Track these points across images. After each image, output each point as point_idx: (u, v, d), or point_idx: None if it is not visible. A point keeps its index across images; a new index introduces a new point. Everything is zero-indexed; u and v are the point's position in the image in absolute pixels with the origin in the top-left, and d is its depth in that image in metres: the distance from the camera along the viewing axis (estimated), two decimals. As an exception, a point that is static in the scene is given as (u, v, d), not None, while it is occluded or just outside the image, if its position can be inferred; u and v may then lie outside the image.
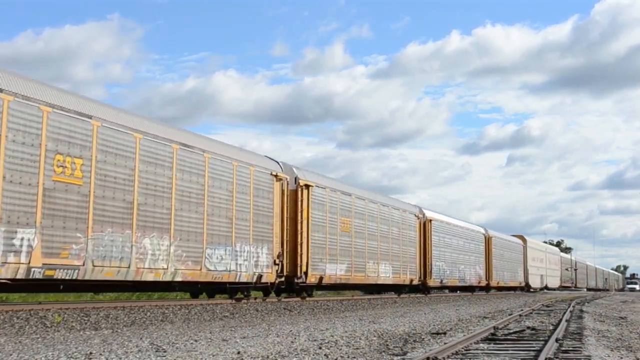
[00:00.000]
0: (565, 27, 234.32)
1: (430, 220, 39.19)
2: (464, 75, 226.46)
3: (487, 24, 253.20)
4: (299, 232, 24.94)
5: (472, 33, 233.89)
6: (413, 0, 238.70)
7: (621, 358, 9.99)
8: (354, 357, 9.16)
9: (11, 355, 8.49)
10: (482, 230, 50.65)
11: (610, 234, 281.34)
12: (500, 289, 54.28)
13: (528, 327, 15.00)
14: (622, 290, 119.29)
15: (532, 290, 63.82)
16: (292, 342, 10.76)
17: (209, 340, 10.80)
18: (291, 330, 12.85)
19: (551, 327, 15.06)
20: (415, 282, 36.87)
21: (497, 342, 11.74)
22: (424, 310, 21.99)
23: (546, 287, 70.75)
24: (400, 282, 34.83)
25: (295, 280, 24.76)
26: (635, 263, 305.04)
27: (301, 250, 24.84)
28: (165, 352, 9.13)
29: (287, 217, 24.20)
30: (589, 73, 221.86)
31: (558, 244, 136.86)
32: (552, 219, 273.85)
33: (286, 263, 24.09)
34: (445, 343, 10.97)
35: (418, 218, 38.05)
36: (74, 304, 16.90)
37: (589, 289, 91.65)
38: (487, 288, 50.63)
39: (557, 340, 11.59)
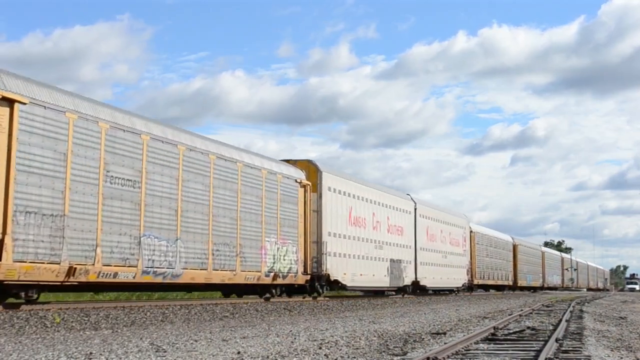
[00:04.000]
0: (572, 28, 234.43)
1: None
2: (468, 76, 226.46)
3: (494, 24, 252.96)
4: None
5: (478, 34, 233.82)
6: (420, 0, 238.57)
7: (621, 358, 9.99)
8: (354, 357, 9.15)
9: (11, 355, 8.49)
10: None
11: (612, 234, 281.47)
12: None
13: (528, 327, 15.00)
14: (622, 290, 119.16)
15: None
16: (292, 342, 10.76)
17: (209, 340, 10.80)
18: (291, 330, 12.84)
19: (551, 327, 15.06)
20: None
21: (497, 342, 11.74)
22: (423, 310, 21.99)
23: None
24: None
25: None
26: (635, 263, 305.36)
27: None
28: (165, 352, 9.13)
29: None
30: (593, 74, 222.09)
31: (558, 244, 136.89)
32: (554, 219, 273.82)
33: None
34: (445, 343, 10.96)
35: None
36: (74, 304, 16.91)
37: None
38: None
39: (557, 340, 11.58)
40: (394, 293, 35.90)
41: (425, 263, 39.23)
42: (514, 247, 63.48)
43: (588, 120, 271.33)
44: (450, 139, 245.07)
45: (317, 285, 26.52)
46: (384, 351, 9.95)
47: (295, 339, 11.25)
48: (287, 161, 26.13)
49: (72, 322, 13.31)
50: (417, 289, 38.87)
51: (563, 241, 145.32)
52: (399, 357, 9.29)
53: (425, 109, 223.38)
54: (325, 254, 26.53)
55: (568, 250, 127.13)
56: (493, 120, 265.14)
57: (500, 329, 14.40)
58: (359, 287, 30.57)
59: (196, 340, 10.64)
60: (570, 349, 10.58)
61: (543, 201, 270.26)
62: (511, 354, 9.74)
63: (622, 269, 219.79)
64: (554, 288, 78.42)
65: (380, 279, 32.47)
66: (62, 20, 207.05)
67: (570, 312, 22.27)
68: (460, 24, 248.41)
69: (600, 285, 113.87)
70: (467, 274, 47.16)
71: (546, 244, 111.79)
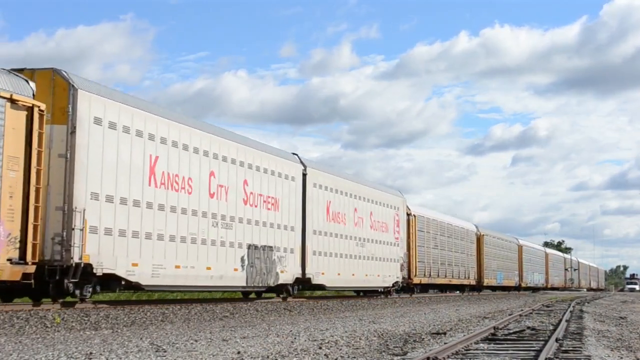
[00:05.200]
0: (574, 28, 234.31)
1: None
2: (470, 76, 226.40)
3: (496, 24, 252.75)
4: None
5: (480, 34, 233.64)
6: (423, 1, 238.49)
7: (621, 358, 9.99)
8: (354, 357, 9.15)
9: (11, 355, 8.49)
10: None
11: (613, 233, 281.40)
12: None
13: (528, 327, 15.00)
14: (622, 290, 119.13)
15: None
16: (292, 342, 10.75)
17: (209, 340, 10.80)
18: (291, 330, 12.84)
19: (551, 327, 15.06)
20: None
21: (497, 342, 11.74)
22: (424, 311, 21.99)
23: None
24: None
25: None
26: (636, 263, 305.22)
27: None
28: (165, 352, 9.13)
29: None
30: (594, 74, 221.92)
31: (559, 244, 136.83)
32: (554, 219, 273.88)
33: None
34: (445, 343, 10.96)
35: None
36: (74, 304, 16.90)
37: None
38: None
39: (557, 340, 11.58)
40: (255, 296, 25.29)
41: (322, 253, 26.60)
42: (479, 238, 51.47)
43: (589, 121, 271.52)
44: (452, 139, 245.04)
45: (67, 283, 15.24)
46: (384, 351, 9.95)
47: (295, 339, 11.25)
48: (20, 71, 15.22)
49: (72, 322, 13.31)
50: (308, 288, 28.27)
51: (563, 241, 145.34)
52: (399, 357, 9.29)
53: (426, 109, 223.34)
54: (80, 229, 15.28)
55: (568, 250, 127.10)
56: (493, 120, 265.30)
57: (501, 329, 14.40)
58: (166, 286, 18.96)
59: (196, 340, 10.64)
60: (570, 349, 10.58)
61: (544, 201, 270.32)
62: (511, 354, 9.74)
63: (622, 269, 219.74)
64: (536, 289, 70.47)
65: (222, 273, 20.38)
66: (66, 21, 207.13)
67: (570, 312, 22.27)
68: (463, 24, 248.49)
69: (594, 285, 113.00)
70: (402, 270, 34.53)
71: (546, 244, 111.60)
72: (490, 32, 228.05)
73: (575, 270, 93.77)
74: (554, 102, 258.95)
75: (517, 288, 62.15)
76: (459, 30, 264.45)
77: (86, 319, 13.85)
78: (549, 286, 75.96)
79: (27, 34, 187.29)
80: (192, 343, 10.27)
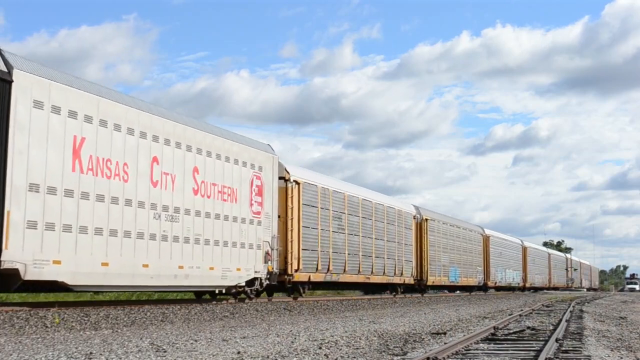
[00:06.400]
0: (575, 28, 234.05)
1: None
2: (471, 76, 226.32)
3: (497, 24, 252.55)
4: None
5: (482, 34, 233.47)
6: (425, 1, 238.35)
7: (621, 358, 9.99)
8: (354, 357, 9.15)
9: (11, 355, 8.49)
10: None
11: (613, 233, 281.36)
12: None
13: (528, 327, 15.00)
14: (622, 290, 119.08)
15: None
16: (292, 342, 10.76)
17: (209, 340, 10.80)
18: (291, 330, 12.85)
19: (551, 327, 15.06)
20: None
21: (497, 342, 11.74)
22: (424, 310, 21.99)
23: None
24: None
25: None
26: (636, 263, 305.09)
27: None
28: (165, 352, 9.13)
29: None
30: (596, 74, 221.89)
31: (558, 244, 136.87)
32: (555, 219, 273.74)
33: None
34: (445, 343, 10.97)
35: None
36: (74, 304, 16.90)
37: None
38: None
39: (557, 340, 11.58)
40: None
41: (58, 227, 14.74)
42: (421, 223, 38.48)
43: (590, 121, 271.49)
44: (453, 140, 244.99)
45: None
46: (384, 351, 9.95)
47: (295, 339, 11.25)
48: None
49: (72, 322, 13.31)
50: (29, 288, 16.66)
51: (562, 241, 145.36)
52: (399, 357, 9.29)
53: (428, 109, 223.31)
54: None
55: (568, 250, 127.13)
56: (494, 120, 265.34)
57: (500, 329, 14.40)
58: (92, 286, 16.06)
59: (196, 340, 10.64)
60: (570, 349, 10.58)
61: (544, 201, 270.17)
62: (511, 354, 9.74)
63: (622, 269, 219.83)
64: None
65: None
66: (70, 21, 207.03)
67: (570, 312, 22.27)
68: (465, 24, 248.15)
69: (586, 284, 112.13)
70: (268, 261, 22.52)
71: (545, 244, 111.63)
72: (492, 32, 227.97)
73: (575, 270, 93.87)
74: (555, 102, 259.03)
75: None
76: (461, 31, 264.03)
77: (86, 319, 13.85)
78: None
79: (29, 34, 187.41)
80: (192, 343, 10.27)
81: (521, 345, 11.06)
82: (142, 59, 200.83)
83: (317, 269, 26.40)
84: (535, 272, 66.30)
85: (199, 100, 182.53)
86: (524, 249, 63.99)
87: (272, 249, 22.64)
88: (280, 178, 23.96)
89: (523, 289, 62.47)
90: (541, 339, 12.17)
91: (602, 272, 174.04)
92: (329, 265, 27.40)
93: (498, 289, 55.85)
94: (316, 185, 27.01)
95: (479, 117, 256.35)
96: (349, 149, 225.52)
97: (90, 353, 8.74)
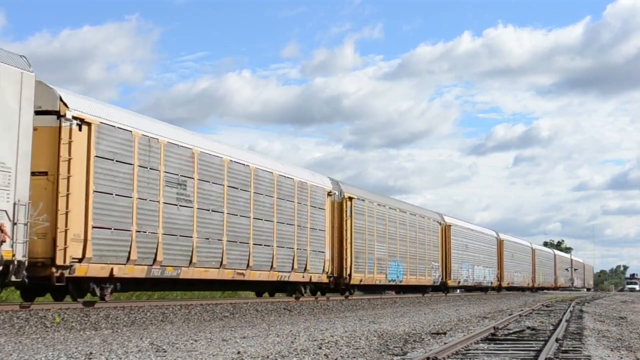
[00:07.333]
0: (577, 28, 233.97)
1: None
2: (473, 76, 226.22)
3: (499, 24, 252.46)
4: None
5: (483, 34, 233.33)
6: (427, 1, 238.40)
7: (621, 358, 9.99)
8: (354, 357, 9.16)
9: (11, 355, 8.49)
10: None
11: (613, 233, 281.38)
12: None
13: (528, 327, 15.00)
14: (622, 290, 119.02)
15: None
16: (292, 342, 10.76)
17: (209, 340, 10.80)
18: (291, 330, 12.85)
19: (551, 327, 15.06)
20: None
21: (497, 342, 11.74)
22: (423, 310, 22.00)
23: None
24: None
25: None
26: (636, 263, 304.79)
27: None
28: (165, 352, 9.13)
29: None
30: (597, 74, 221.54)
31: (559, 244, 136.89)
32: (556, 219, 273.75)
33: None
34: (445, 343, 10.97)
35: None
36: (73, 304, 16.91)
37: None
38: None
39: (557, 340, 11.58)
40: None
41: None
42: (341, 202, 28.18)
43: (591, 121, 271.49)
44: (454, 140, 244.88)
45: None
46: (384, 351, 9.95)
47: (295, 339, 11.26)
48: None
49: (72, 322, 13.31)
50: None
51: (562, 241, 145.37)
52: (399, 357, 9.29)
53: (429, 109, 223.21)
54: None
55: (568, 250, 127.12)
56: (494, 120, 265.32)
57: (500, 329, 14.40)
58: None
59: (196, 340, 10.64)
60: (570, 349, 10.58)
61: (545, 201, 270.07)
62: (511, 354, 9.74)
63: (622, 269, 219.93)
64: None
65: None
66: (72, 21, 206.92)
67: (570, 312, 22.27)
68: (466, 24, 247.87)
69: (579, 284, 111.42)
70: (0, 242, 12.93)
71: (545, 244, 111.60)
72: (493, 32, 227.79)
73: (575, 270, 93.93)
74: (556, 102, 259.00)
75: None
76: (462, 31, 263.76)
77: (86, 319, 13.85)
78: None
79: (31, 34, 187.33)
80: (192, 343, 10.27)
81: (521, 345, 11.06)
82: (144, 59, 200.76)
83: (128, 258, 16.59)
84: (514, 269, 60.95)
85: (201, 101, 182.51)
86: (500, 242, 55.76)
87: (13, 223, 13.32)
88: (45, 112, 14.92)
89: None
90: (541, 339, 12.17)
91: (602, 272, 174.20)
92: (155, 254, 17.45)
93: (470, 289, 48.75)
94: (129, 132, 16.91)
95: (479, 117, 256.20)
96: (349, 149, 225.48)
97: (90, 353, 8.74)
